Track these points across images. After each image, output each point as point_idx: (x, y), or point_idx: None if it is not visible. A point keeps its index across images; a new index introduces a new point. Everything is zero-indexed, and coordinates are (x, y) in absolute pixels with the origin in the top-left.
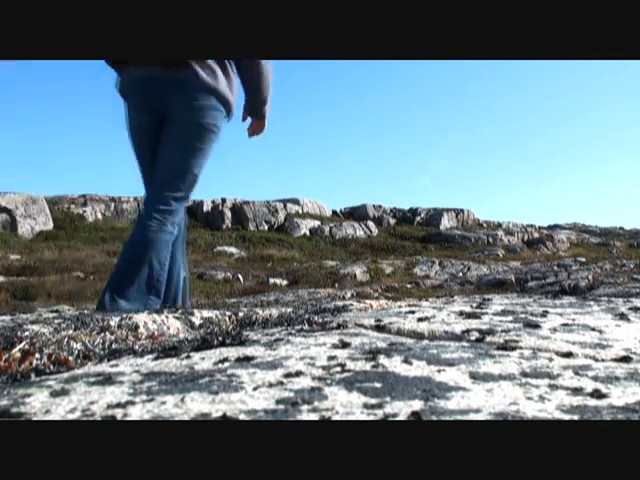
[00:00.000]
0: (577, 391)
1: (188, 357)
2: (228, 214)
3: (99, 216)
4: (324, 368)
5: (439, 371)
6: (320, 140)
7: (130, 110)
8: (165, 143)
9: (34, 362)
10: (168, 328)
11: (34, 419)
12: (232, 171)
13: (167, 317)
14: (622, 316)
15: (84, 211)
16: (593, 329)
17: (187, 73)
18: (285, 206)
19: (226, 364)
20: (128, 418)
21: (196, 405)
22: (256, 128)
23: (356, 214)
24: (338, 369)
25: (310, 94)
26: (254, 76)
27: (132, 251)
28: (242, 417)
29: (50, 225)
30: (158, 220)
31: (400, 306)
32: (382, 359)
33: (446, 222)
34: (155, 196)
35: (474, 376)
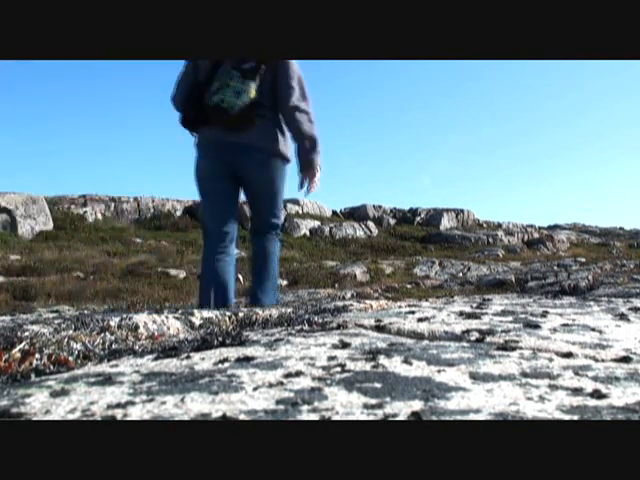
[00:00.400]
0: (577, 391)
1: (188, 357)
2: None
3: (99, 216)
4: (324, 368)
5: (439, 371)
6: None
7: (203, 160)
8: (252, 197)
9: (34, 362)
10: (168, 328)
11: (34, 419)
12: None
13: (167, 317)
14: (622, 316)
15: (84, 211)
16: (593, 329)
17: (250, 137)
18: (285, 206)
19: (226, 364)
20: (128, 418)
21: (196, 405)
22: (307, 172)
23: (356, 214)
24: (338, 369)
25: (310, 93)
26: (296, 128)
27: (263, 264)
28: (242, 417)
29: (50, 225)
30: (274, 235)
31: (400, 306)
32: (382, 359)
33: (446, 222)
34: (266, 222)
35: (474, 376)
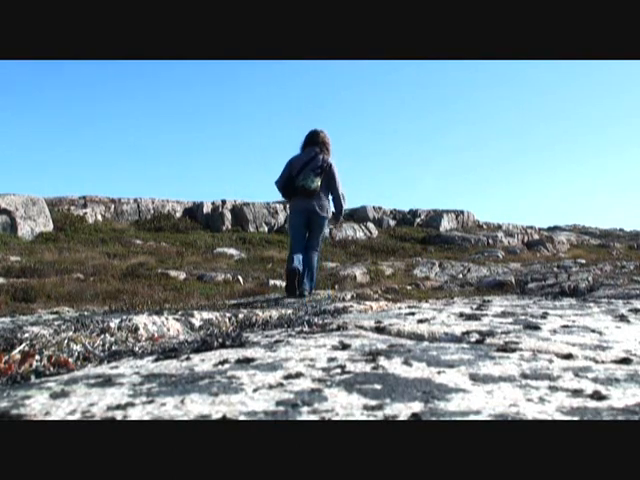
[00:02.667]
0: (577, 393)
1: (188, 359)
2: (228, 216)
3: (99, 218)
4: (324, 370)
5: (439, 373)
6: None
7: (293, 213)
8: (312, 231)
9: (34, 364)
10: (168, 330)
11: (33, 420)
12: (232, 173)
13: (167, 319)
14: (622, 318)
15: (84, 213)
16: (593, 331)
17: (315, 203)
18: (285, 208)
19: (226, 366)
20: (128, 419)
21: (196, 407)
22: (335, 222)
23: (356, 215)
24: (338, 371)
25: (310, 95)
26: (337, 204)
27: (310, 266)
28: (242, 419)
29: (50, 226)
30: (317, 252)
31: (400, 308)
32: (382, 361)
33: (446, 224)
34: (315, 246)
35: (474, 378)
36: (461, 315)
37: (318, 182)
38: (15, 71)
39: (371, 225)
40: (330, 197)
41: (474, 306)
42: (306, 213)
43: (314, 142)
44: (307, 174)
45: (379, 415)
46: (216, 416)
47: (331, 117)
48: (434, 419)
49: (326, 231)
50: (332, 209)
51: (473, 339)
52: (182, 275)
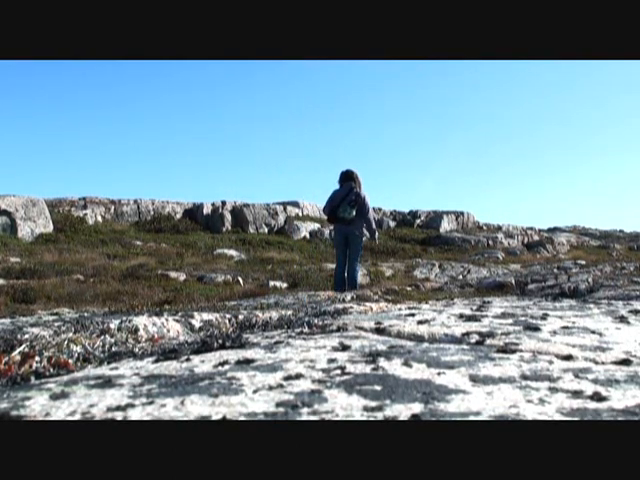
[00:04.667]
0: (577, 394)
1: (188, 360)
2: (228, 217)
3: (99, 219)
4: (324, 371)
5: (439, 374)
6: (320, 143)
7: (336, 234)
8: (351, 248)
9: (34, 365)
10: (168, 331)
11: (33, 420)
12: (232, 174)
13: (167, 320)
14: (622, 319)
15: (84, 214)
16: (593, 332)
17: (352, 228)
18: (285, 209)
19: (226, 367)
20: (128, 420)
21: (196, 408)
22: (372, 240)
23: None
24: (338, 372)
25: (310, 96)
26: (369, 227)
27: (351, 275)
28: (242, 419)
29: (50, 228)
30: (357, 262)
31: (400, 309)
32: (382, 362)
33: (446, 225)
34: (354, 259)
35: (474, 379)
36: (461, 316)
37: (353, 212)
38: (15, 71)
39: None
40: (364, 221)
41: (474, 307)
42: (345, 234)
43: (349, 178)
44: (345, 207)
45: (379, 416)
46: (216, 417)
47: (331, 118)
48: (434, 420)
49: (361, 246)
50: (366, 231)
51: (473, 340)
52: (182, 276)
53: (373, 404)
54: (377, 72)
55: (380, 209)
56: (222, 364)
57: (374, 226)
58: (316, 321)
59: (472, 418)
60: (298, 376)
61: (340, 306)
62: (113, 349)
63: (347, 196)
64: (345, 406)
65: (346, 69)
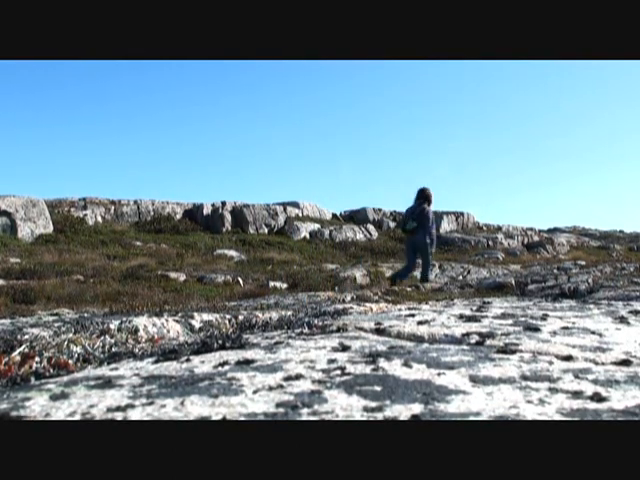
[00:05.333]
0: (577, 394)
1: (188, 360)
2: (228, 217)
3: (99, 219)
4: (324, 371)
5: (439, 374)
6: (320, 143)
7: (407, 244)
8: (420, 252)
9: (34, 365)
10: (168, 331)
11: (33, 420)
12: (232, 174)
13: (167, 320)
14: (622, 319)
15: (84, 214)
16: (593, 332)
17: (417, 237)
18: (285, 209)
19: (226, 367)
20: (127, 420)
21: (196, 408)
22: (431, 247)
23: (356, 217)
24: (338, 372)
25: (311, 97)
26: (429, 236)
27: (423, 272)
28: (242, 420)
29: (50, 228)
30: (427, 263)
31: (400, 309)
32: (382, 362)
33: (446, 225)
34: (425, 259)
35: (474, 379)
36: (461, 317)
37: (414, 224)
38: (15, 72)
39: (371, 227)
40: (425, 231)
41: (474, 308)
42: (412, 242)
43: (419, 196)
44: (408, 220)
45: (379, 417)
46: (216, 418)
47: (331, 119)
48: (434, 420)
49: (429, 252)
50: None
51: (473, 341)
52: (182, 277)
53: (373, 405)
54: (378, 72)
55: (380, 209)
56: (222, 365)
57: (431, 238)
58: (316, 322)
59: (472, 419)
60: (298, 377)
61: (340, 307)
62: (113, 350)
63: (413, 211)
64: (345, 407)
65: (346, 69)
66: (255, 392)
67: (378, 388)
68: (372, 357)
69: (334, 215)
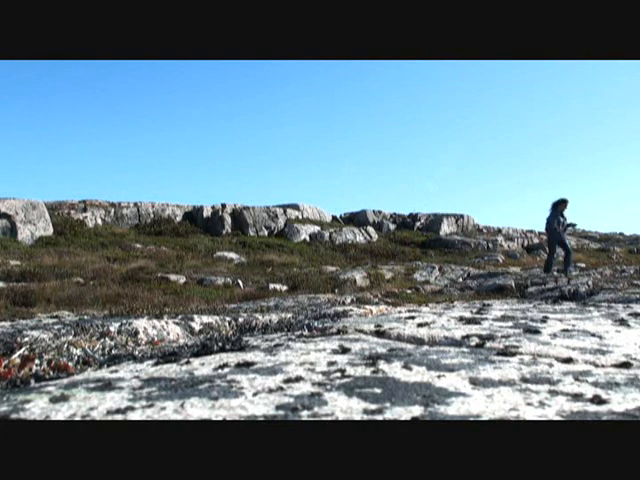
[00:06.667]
0: (577, 397)
1: (188, 363)
2: (228, 220)
3: (99, 222)
4: (324, 374)
5: (439, 377)
6: (320, 146)
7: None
8: (559, 246)
9: (34, 368)
10: (168, 334)
11: (32, 420)
12: (232, 177)
13: (167, 323)
14: (622, 322)
15: (84, 217)
16: (593, 335)
17: (549, 236)
18: (285, 212)
19: (226, 370)
20: (127, 421)
21: (196, 411)
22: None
23: (356, 220)
24: (338, 375)
25: (312, 100)
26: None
27: (566, 263)
28: (242, 421)
29: (50, 231)
30: (568, 254)
31: (400, 312)
32: (382, 365)
33: (446, 228)
34: (565, 251)
35: (474, 382)
36: (461, 319)
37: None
38: (15, 72)
39: (371, 229)
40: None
41: (474, 310)
42: (550, 240)
43: (554, 206)
44: (553, 217)
45: (379, 419)
46: (216, 420)
47: (332, 121)
48: (434, 421)
49: (565, 243)
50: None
51: (473, 343)
52: (182, 279)
53: (373, 407)
54: (379, 73)
55: (380, 212)
56: (222, 367)
57: (549, 233)
58: (316, 324)
59: (472, 420)
60: (298, 379)
61: (340, 309)
62: (113, 352)
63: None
64: (345, 409)
65: (347, 70)
66: (255, 394)
67: (378, 390)
68: (372, 359)
69: (334, 217)
